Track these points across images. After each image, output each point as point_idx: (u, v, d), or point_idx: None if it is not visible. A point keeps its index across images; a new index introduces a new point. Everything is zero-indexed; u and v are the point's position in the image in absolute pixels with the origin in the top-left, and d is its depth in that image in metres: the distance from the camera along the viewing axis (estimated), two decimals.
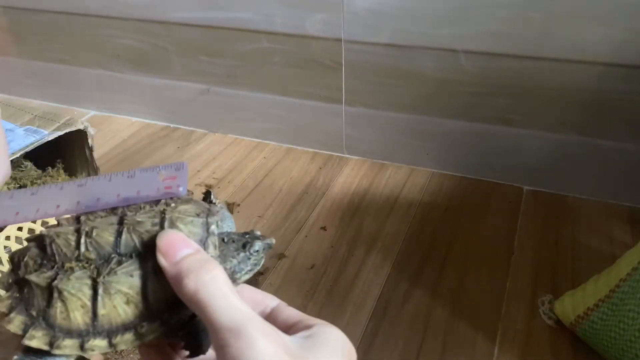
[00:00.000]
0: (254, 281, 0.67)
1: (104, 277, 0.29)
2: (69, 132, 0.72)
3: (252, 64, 0.91)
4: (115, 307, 0.30)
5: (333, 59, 0.85)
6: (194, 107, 1.01)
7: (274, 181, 0.87)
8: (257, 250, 0.34)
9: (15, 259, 0.32)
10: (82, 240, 0.30)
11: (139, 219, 0.30)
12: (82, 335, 0.30)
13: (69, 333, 0.30)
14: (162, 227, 0.30)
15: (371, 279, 0.67)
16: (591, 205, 0.79)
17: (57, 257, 0.31)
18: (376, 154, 0.92)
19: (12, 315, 0.30)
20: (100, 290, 0.29)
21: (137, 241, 0.30)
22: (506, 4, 0.72)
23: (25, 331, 0.30)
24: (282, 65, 0.89)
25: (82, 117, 1.08)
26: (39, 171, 0.76)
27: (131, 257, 0.30)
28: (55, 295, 0.30)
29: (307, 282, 0.67)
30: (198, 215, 0.32)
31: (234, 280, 0.33)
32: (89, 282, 0.30)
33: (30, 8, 1.04)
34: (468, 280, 0.67)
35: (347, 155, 0.93)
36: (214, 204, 0.38)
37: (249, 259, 0.33)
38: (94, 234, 0.31)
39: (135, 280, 0.29)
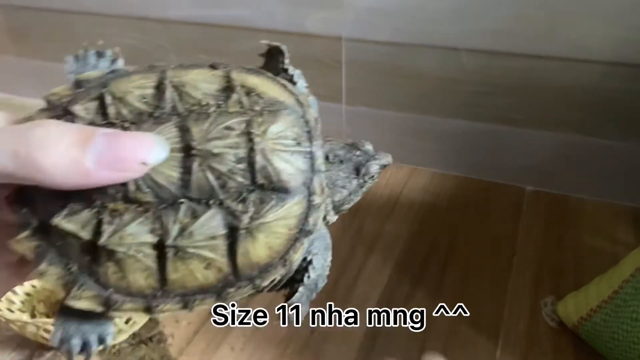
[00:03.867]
0: None
1: (174, 238, 0.22)
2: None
3: (251, 63, 0.90)
4: (192, 271, 0.23)
5: (333, 57, 0.84)
6: None
7: None
8: (373, 176, 0.27)
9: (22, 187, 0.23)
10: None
11: (214, 150, 0.22)
12: (147, 298, 0.23)
13: (130, 295, 0.23)
14: (251, 166, 0.22)
15: (372, 280, 0.67)
16: (594, 206, 0.79)
17: (92, 192, 0.22)
18: None
19: (43, 266, 0.23)
20: (169, 254, 0.22)
21: (216, 185, 0.22)
22: (508, 2, 0.71)
23: (67, 290, 0.23)
24: None
25: None
26: None
27: (207, 205, 0.22)
28: (104, 255, 0.22)
29: None
30: (298, 141, 0.24)
31: (337, 211, 0.27)
32: (150, 240, 0.22)
33: (28, 6, 1.04)
34: (469, 281, 0.66)
35: None
36: (286, 70, 0.30)
37: (362, 187, 0.27)
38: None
39: (220, 243, 0.22)
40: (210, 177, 0.22)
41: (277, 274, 0.24)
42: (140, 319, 0.20)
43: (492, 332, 0.60)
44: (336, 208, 0.27)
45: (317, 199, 0.24)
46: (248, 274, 0.23)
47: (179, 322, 0.62)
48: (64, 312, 0.25)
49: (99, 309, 0.23)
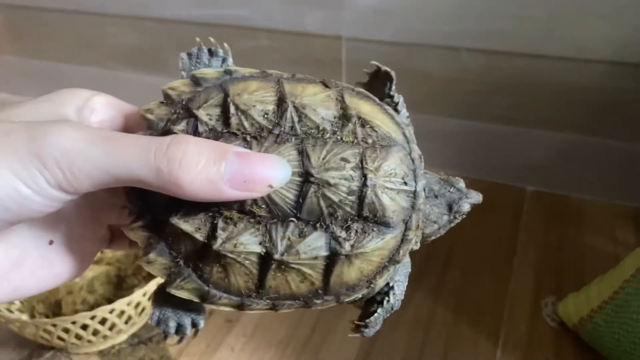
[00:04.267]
0: None
1: (281, 253, 0.24)
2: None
3: (251, 62, 0.90)
4: (288, 282, 0.25)
5: (333, 57, 0.84)
6: None
7: None
8: (464, 214, 0.29)
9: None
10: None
11: (331, 181, 0.24)
12: (242, 297, 0.26)
13: (227, 292, 0.26)
14: (360, 199, 0.24)
15: None
16: (595, 206, 0.78)
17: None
18: None
19: (152, 255, 0.25)
20: (273, 266, 0.25)
21: (325, 211, 0.24)
22: (508, 2, 0.71)
23: (170, 279, 0.26)
24: (282, 63, 0.88)
25: None
26: None
27: (314, 227, 0.24)
28: (213, 256, 0.25)
29: None
30: (405, 180, 0.26)
31: (423, 241, 0.30)
32: (258, 249, 0.24)
33: (27, 6, 1.03)
34: (470, 282, 0.66)
35: None
36: (392, 96, 0.33)
37: (451, 222, 0.29)
38: None
39: (319, 264, 0.25)
40: (323, 204, 0.24)
41: (361, 294, 0.27)
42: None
43: (492, 333, 0.59)
44: (423, 239, 0.29)
45: (411, 235, 0.27)
46: (336, 290, 0.26)
47: None
48: (160, 297, 0.28)
49: (196, 300, 0.26)
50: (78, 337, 0.54)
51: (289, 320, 0.61)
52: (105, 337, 0.56)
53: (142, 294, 0.55)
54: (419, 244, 0.29)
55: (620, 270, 0.55)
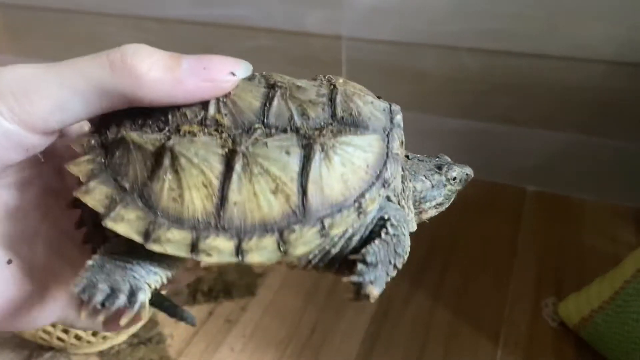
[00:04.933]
0: (252, 284, 0.66)
1: (246, 147, 0.21)
2: None
3: (250, 62, 0.90)
4: (257, 195, 0.21)
5: (333, 56, 0.84)
6: None
7: None
8: (455, 178, 0.26)
9: (101, 119, 0.23)
10: (214, 100, 0.22)
11: (299, 84, 0.23)
12: (197, 229, 0.21)
13: (178, 222, 0.21)
14: (331, 101, 0.22)
15: None
16: (595, 206, 0.78)
17: (169, 117, 0.22)
18: None
19: (91, 184, 0.21)
20: (237, 166, 0.20)
21: (295, 112, 0.22)
22: (509, 2, 0.71)
23: (108, 209, 0.21)
24: (282, 63, 0.88)
25: None
26: None
27: (284, 131, 0.21)
28: (167, 162, 0.21)
29: (307, 285, 0.66)
30: (380, 97, 0.24)
31: (419, 211, 0.25)
32: (220, 151, 0.21)
33: (26, 6, 1.03)
34: (470, 282, 0.66)
35: None
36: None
37: (445, 186, 0.26)
38: (231, 94, 0.22)
39: (293, 161, 0.21)
40: (291, 104, 0.22)
41: (349, 222, 0.21)
42: (178, 270, 0.18)
43: (492, 333, 0.59)
44: (416, 202, 0.25)
45: (396, 148, 0.23)
46: (318, 210, 0.21)
47: (178, 323, 0.61)
48: (95, 263, 0.22)
49: (137, 237, 0.21)
50: (77, 337, 0.54)
51: (289, 320, 0.61)
52: (104, 337, 0.56)
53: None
54: (413, 209, 0.25)
55: (620, 271, 0.55)
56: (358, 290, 0.21)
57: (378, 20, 0.79)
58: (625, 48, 0.69)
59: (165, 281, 0.22)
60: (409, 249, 0.25)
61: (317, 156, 0.21)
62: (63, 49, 1.05)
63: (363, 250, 0.22)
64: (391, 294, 0.65)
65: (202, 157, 0.21)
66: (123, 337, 0.59)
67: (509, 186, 0.83)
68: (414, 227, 0.25)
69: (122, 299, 0.21)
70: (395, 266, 0.23)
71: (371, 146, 0.22)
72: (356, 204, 0.22)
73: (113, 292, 0.21)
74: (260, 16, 0.85)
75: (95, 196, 0.21)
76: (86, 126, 0.25)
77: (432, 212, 0.26)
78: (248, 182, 0.20)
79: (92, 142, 0.23)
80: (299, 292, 0.65)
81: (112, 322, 0.22)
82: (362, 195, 0.22)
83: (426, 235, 0.75)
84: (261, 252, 0.20)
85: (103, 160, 0.22)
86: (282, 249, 0.21)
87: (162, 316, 0.62)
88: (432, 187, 0.25)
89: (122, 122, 0.22)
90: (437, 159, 0.27)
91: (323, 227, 0.21)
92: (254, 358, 0.57)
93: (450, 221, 0.77)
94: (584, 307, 0.57)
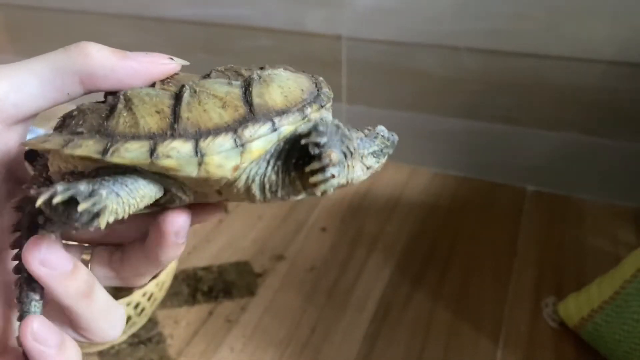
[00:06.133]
0: (252, 284, 0.66)
1: (192, 82, 0.23)
2: None
3: (251, 62, 0.90)
4: (207, 111, 0.22)
5: (333, 56, 0.84)
6: None
7: None
8: (384, 135, 0.27)
9: (59, 121, 0.25)
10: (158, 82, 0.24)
11: (232, 65, 0.26)
12: (153, 137, 0.22)
13: (135, 137, 0.22)
14: (260, 68, 0.25)
15: (372, 281, 0.66)
16: (595, 206, 0.78)
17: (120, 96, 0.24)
18: None
19: (50, 137, 0.23)
20: (186, 95, 0.22)
21: (231, 76, 0.25)
22: (509, 1, 0.71)
23: (66, 144, 0.22)
24: (282, 62, 0.87)
25: None
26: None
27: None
28: (121, 105, 0.23)
29: (307, 284, 0.66)
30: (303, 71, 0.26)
31: (361, 158, 0.27)
32: (169, 92, 0.23)
33: (26, 5, 1.03)
34: (470, 282, 0.66)
35: None
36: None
37: (376, 137, 0.27)
38: (174, 77, 0.25)
39: (235, 87, 0.23)
40: (227, 72, 0.24)
41: (296, 121, 0.23)
42: (149, 189, 0.18)
43: (493, 333, 0.59)
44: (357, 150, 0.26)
45: (325, 94, 0.25)
46: (265, 113, 0.22)
47: (178, 323, 0.61)
48: (63, 176, 0.23)
49: (96, 155, 0.21)
50: None
51: (289, 320, 0.61)
52: None
53: (142, 294, 0.55)
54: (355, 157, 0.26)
55: (620, 271, 0.55)
56: (319, 156, 0.21)
57: (378, 20, 0.79)
58: (625, 48, 0.69)
59: (132, 205, 0.22)
60: (357, 147, 0.26)
61: (256, 82, 0.23)
62: None
63: (312, 125, 0.23)
64: (391, 294, 0.65)
65: (153, 95, 0.23)
66: (123, 337, 0.59)
67: (509, 186, 0.83)
68: (360, 176, 0.27)
69: (82, 188, 0.20)
70: (348, 148, 0.23)
71: (301, 78, 0.25)
72: (299, 112, 0.23)
73: (69, 189, 0.20)
74: (260, 16, 0.85)
75: (52, 142, 0.22)
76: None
77: (372, 161, 0.27)
78: (197, 104, 0.22)
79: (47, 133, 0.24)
80: (299, 292, 0.65)
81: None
82: (304, 105, 0.24)
83: (426, 235, 0.75)
84: (219, 149, 0.21)
85: (59, 130, 0.24)
86: (238, 144, 0.21)
87: (162, 316, 0.62)
88: (365, 136, 0.27)
89: (79, 114, 0.24)
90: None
91: (273, 123, 0.22)
92: (254, 358, 0.57)
93: (451, 221, 0.77)
94: (584, 307, 0.56)
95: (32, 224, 0.25)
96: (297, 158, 0.23)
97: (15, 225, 0.25)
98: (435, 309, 0.62)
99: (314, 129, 0.22)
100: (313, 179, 0.21)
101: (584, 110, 0.75)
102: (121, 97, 0.23)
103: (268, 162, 0.23)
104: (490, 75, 0.77)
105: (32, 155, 0.26)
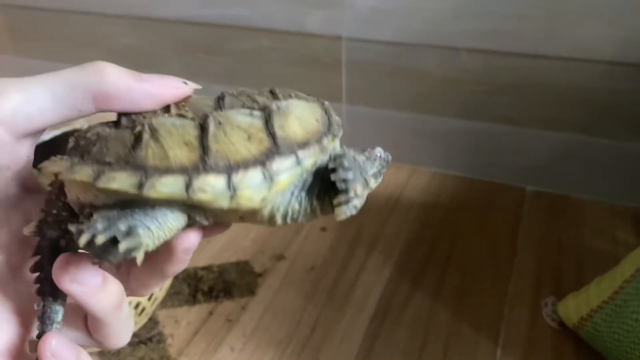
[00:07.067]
0: (253, 284, 0.67)
1: (216, 112, 0.24)
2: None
3: (251, 62, 0.91)
4: (234, 143, 0.23)
5: (333, 56, 0.84)
6: None
7: None
8: (380, 156, 0.29)
9: (69, 144, 0.25)
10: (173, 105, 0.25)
11: (243, 90, 0.26)
12: (187, 172, 0.22)
13: (168, 171, 0.22)
14: (272, 94, 0.26)
15: (372, 280, 0.66)
16: (595, 206, 0.78)
17: (135, 121, 0.24)
18: None
19: (76, 167, 0.23)
20: (211, 126, 0.23)
21: (245, 101, 0.25)
22: (508, 2, 0.71)
23: (97, 176, 0.22)
24: (282, 63, 0.88)
25: None
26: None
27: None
28: (147, 135, 0.23)
29: (307, 284, 0.66)
30: (316, 100, 0.27)
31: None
32: (193, 122, 0.23)
33: (27, 6, 1.03)
34: (470, 281, 0.66)
35: None
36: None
37: (375, 159, 0.29)
38: (188, 101, 0.25)
39: (257, 118, 0.24)
40: (242, 98, 0.25)
41: (316, 153, 0.25)
42: (177, 221, 0.19)
43: (492, 333, 0.59)
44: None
45: (335, 116, 0.27)
46: (289, 146, 0.24)
47: (179, 323, 0.61)
48: (92, 205, 0.23)
49: (132, 189, 0.22)
50: None
51: (289, 320, 0.61)
52: None
53: None
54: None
55: (620, 270, 0.55)
56: (346, 191, 0.24)
57: (378, 20, 0.79)
58: (624, 48, 0.69)
59: (161, 238, 0.23)
60: (374, 181, 0.28)
61: (275, 113, 0.24)
62: (63, 49, 1.05)
63: (337, 161, 0.25)
64: (391, 294, 0.65)
65: (178, 125, 0.23)
66: None
67: (509, 186, 0.83)
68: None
69: (123, 241, 0.21)
70: (366, 181, 0.26)
71: (314, 108, 0.26)
72: (317, 143, 0.25)
73: (110, 227, 0.21)
74: (260, 16, 0.85)
75: (82, 173, 0.22)
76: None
77: (372, 182, 0.28)
78: (224, 136, 0.23)
79: (64, 157, 0.24)
80: (299, 292, 0.65)
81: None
82: (320, 137, 0.25)
83: (426, 235, 0.75)
84: (250, 183, 0.22)
85: (80, 156, 0.24)
86: (267, 177, 0.23)
87: (162, 316, 0.62)
88: (366, 159, 0.28)
89: (88, 138, 0.24)
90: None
91: (297, 156, 0.24)
92: (254, 357, 0.57)
93: (450, 221, 0.77)
94: (583, 306, 0.57)
95: (53, 248, 0.25)
96: (319, 189, 0.25)
97: (36, 249, 0.26)
98: (435, 308, 0.63)
99: (340, 165, 0.25)
100: (338, 211, 0.24)
101: (584, 110, 0.75)
102: (146, 126, 0.23)
103: (292, 193, 0.25)
104: (490, 75, 0.77)
105: (39, 161, 0.27)
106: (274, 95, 0.26)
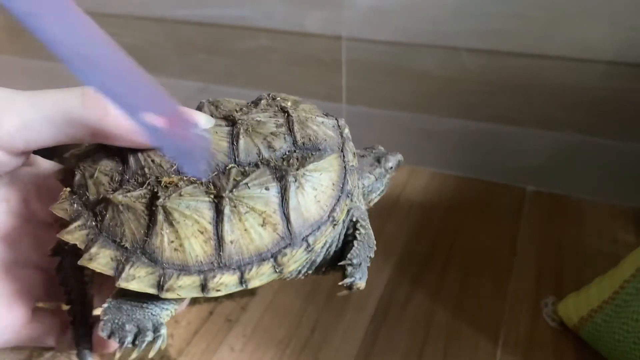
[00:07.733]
0: None
1: (230, 190, 0.23)
2: None
3: (250, 62, 0.91)
4: (248, 230, 0.23)
5: (333, 56, 0.84)
6: (191, 106, 1.00)
7: None
8: (392, 167, 0.31)
9: (77, 177, 0.25)
10: None
11: (257, 118, 0.25)
12: (202, 271, 0.23)
13: (184, 269, 0.22)
14: (290, 130, 0.25)
15: (371, 281, 0.66)
16: (595, 206, 0.78)
17: (145, 170, 0.23)
18: None
19: (93, 250, 0.23)
20: (226, 209, 0.23)
21: (261, 147, 0.24)
22: (509, 2, 0.71)
23: (118, 270, 0.23)
24: (281, 63, 0.88)
25: None
26: None
27: (256, 166, 0.24)
28: (161, 217, 0.22)
29: (307, 285, 0.66)
30: (327, 115, 0.28)
31: (368, 201, 0.30)
32: (207, 199, 0.23)
33: None
34: (470, 282, 0.66)
35: None
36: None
37: (385, 176, 0.30)
38: None
39: (272, 195, 0.23)
40: (257, 140, 0.24)
41: (327, 233, 0.25)
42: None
43: (492, 333, 0.59)
44: (365, 195, 0.30)
45: (351, 161, 0.27)
46: (301, 232, 0.24)
47: (179, 323, 0.61)
48: (112, 305, 0.25)
49: (151, 290, 0.23)
50: None
51: (289, 320, 0.61)
52: None
53: None
54: (363, 201, 0.30)
55: (620, 270, 0.55)
56: (350, 287, 0.27)
57: (378, 20, 0.79)
58: (625, 48, 0.69)
59: (174, 313, 0.26)
60: (374, 244, 0.30)
61: (292, 187, 0.24)
62: None
63: (349, 256, 0.27)
64: (391, 294, 0.65)
65: (193, 208, 0.22)
66: None
67: (509, 186, 0.83)
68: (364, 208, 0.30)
69: (149, 336, 0.24)
70: (370, 257, 0.29)
71: (332, 165, 0.26)
72: (330, 219, 0.26)
73: (140, 331, 0.23)
74: (260, 16, 0.85)
75: (101, 261, 0.23)
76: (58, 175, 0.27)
77: (376, 199, 0.30)
78: (238, 221, 0.23)
79: (75, 206, 0.24)
80: (299, 292, 0.65)
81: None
82: (333, 209, 0.26)
83: (426, 235, 0.75)
84: (261, 277, 0.24)
85: (94, 224, 0.23)
86: (277, 270, 0.24)
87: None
88: (376, 179, 0.30)
89: (98, 179, 0.24)
90: (374, 151, 0.32)
91: (308, 245, 0.25)
92: (254, 357, 0.57)
93: (450, 221, 0.77)
94: (583, 306, 0.57)
95: (74, 270, 0.27)
96: (326, 266, 0.28)
97: (58, 266, 0.27)
98: (435, 308, 0.63)
99: (351, 262, 0.27)
100: (342, 291, 0.28)
101: (584, 110, 0.75)
102: (160, 207, 0.23)
103: (299, 272, 0.28)
104: (490, 75, 0.77)
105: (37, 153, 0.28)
106: (291, 131, 0.25)
